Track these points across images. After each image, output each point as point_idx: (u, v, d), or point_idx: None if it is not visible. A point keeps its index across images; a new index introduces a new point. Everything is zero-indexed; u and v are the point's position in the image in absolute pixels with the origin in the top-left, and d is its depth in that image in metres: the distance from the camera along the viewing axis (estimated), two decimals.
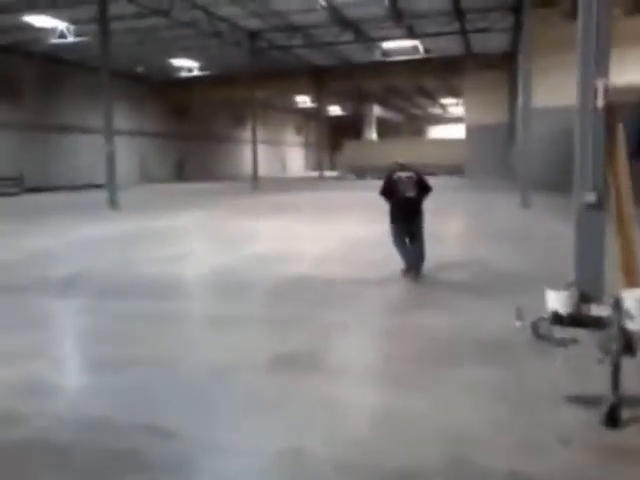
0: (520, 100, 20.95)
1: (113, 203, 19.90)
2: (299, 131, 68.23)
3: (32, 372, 4.57)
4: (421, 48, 30.93)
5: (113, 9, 20.74)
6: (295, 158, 67.61)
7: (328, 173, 45.22)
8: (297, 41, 29.90)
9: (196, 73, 36.97)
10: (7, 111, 30.21)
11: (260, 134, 36.53)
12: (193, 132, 46.13)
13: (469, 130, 35.60)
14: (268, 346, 5.12)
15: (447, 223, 13.85)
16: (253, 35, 29.31)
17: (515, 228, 13.07)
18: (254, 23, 27.10)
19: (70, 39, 26.14)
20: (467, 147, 35.81)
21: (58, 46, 28.47)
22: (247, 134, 52.16)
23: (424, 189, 7.55)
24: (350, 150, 44.03)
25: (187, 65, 35.23)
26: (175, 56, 33.15)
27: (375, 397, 4.09)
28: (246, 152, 51.26)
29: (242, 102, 45.60)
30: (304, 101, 52.72)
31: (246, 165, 49.59)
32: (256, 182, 31.80)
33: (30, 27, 25.08)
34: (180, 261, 9.60)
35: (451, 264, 8.64)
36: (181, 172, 44.82)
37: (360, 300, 6.75)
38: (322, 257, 9.67)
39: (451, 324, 5.71)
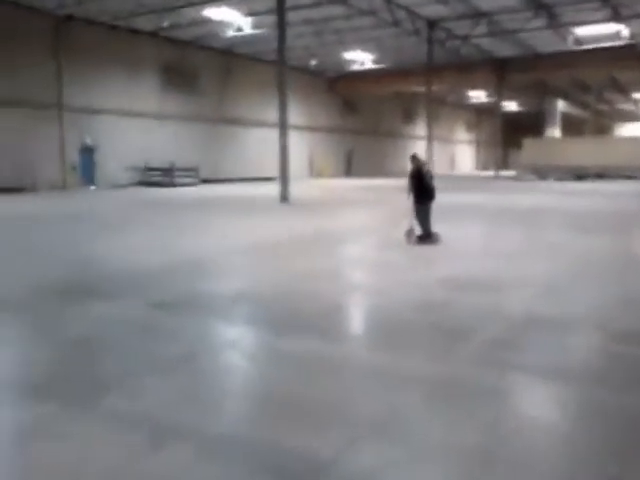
0: None
1: (284, 198, 19.08)
2: (470, 128, 64.92)
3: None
4: (625, 33, 27.05)
5: None
6: (464, 156, 64.48)
7: (503, 173, 41.78)
8: (480, 29, 27.42)
9: (369, 66, 35.75)
10: (186, 104, 30.89)
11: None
12: (362, 127, 45.11)
13: None
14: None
15: None
16: (432, 24, 27.35)
17: None
18: (435, 10, 25.11)
19: (247, 32, 25.98)
20: None
21: (234, 39, 28.58)
22: (416, 130, 50.52)
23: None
24: (530, 148, 40.53)
25: (360, 58, 34.06)
26: (349, 49, 32.12)
27: None
28: (414, 148, 49.49)
29: (412, 97, 43.87)
30: (477, 96, 49.70)
31: None
32: None
33: (209, 21, 25.21)
34: (363, 276, 8.01)
35: None
36: (349, 167, 44.03)
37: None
38: (547, 284, 7.04)
39: None
